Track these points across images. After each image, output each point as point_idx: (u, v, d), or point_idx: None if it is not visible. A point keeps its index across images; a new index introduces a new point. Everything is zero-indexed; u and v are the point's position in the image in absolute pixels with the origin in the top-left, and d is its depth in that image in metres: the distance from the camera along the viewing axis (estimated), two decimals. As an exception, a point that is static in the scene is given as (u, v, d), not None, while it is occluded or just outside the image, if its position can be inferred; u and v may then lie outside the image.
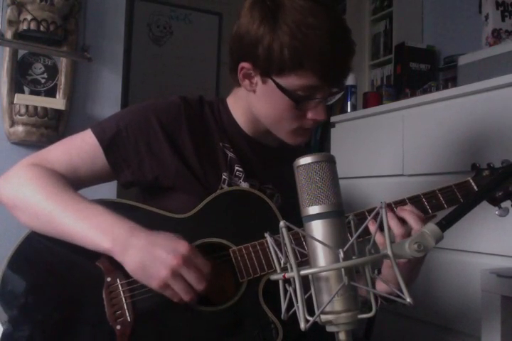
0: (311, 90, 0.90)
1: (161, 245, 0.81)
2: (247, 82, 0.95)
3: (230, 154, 0.99)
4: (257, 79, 0.93)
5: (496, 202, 0.94)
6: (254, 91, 0.96)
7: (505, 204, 0.95)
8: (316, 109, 0.93)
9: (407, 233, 0.87)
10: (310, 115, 0.94)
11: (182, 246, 0.81)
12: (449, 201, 0.94)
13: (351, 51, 0.93)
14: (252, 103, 0.98)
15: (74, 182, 0.94)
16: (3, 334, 0.83)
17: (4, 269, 0.86)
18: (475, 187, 0.96)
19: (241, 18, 0.93)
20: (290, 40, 0.86)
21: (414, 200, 0.93)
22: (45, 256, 0.90)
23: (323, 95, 0.92)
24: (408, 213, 0.88)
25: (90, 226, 0.84)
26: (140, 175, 0.96)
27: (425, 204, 0.93)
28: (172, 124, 0.96)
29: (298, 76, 0.88)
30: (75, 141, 0.97)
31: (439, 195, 0.94)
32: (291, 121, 0.95)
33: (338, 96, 0.97)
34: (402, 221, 0.88)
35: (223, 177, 0.97)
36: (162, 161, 0.95)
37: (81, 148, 0.95)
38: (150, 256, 0.80)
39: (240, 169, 0.99)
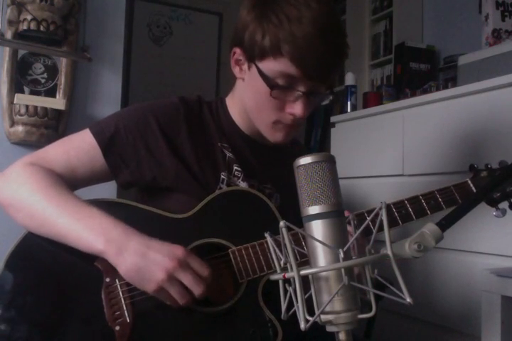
0: (290, 80, 0.90)
1: (157, 248, 0.81)
2: (237, 68, 0.97)
3: (229, 154, 0.99)
4: (245, 65, 0.95)
5: (493, 203, 0.95)
6: (243, 79, 0.97)
7: (503, 205, 0.95)
8: (294, 103, 0.92)
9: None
10: (288, 108, 0.93)
11: (178, 250, 0.81)
12: (448, 202, 0.94)
13: (341, 52, 0.91)
14: (241, 92, 0.99)
15: (71, 182, 0.94)
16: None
17: (2, 270, 0.86)
18: (473, 188, 0.96)
19: (241, 4, 0.95)
20: (275, 28, 0.87)
21: (413, 201, 0.94)
22: (43, 256, 0.90)
23: (303, 89, 0.90)
24: None
25: (85, 227, 0.83)
26: (138, 176, 0.96)
27: (424, 205, 0.94)
28: (170, 125, 0.96)
29: (276, 61, 0.88)
30: (73, 141, 0.97)
31: (438, 195, 0.94)
32: (270, 111, 0.94)
33: (325, 97, 0.96)
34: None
35: (222, 177, 0.97)
36: (160, 161, 0.95)
37: (79, 148, 0.95)
38: (145, 259, 0.80)
39: (239, 169, 0.99)
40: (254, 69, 0.92)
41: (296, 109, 0.92)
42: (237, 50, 0.95)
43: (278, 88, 0.90)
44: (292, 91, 0.91)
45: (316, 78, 0.90)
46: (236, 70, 0.98)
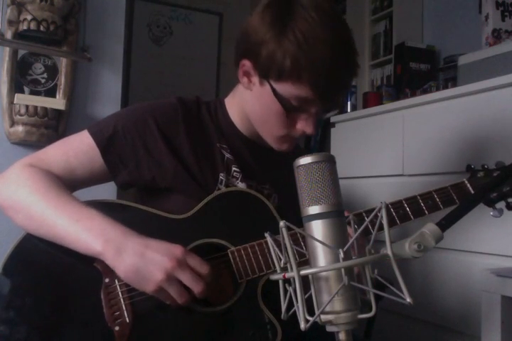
0: (304, 102, 0.90)
1: (155, 248, 0.81)
2: (245, 79, 0.95)
3: (227, 155, 0.99)
4: (256, 79, 0.93)
5: (490, 203, 0.95)
6: (250, 90, 0.96)
7: (500, 205, 0.95)
8: (306, 122, 0.93)
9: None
10: (299, 126, 0.94)
11: (176, 249, 0.81)
12: (445, 202, 0.95)
13: (353, 73, 0.92)
14: (246, 101, 0.98)
15: (70, 183, 0.94)
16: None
17: (1, 272, 0.86)
18: (470, 189, 0.98)
19: (253, 15, 0.92)
20: (294, 50, 0.85)
21: (411, 201, 0.94)
22: (42, 257, 0.90)
23: (315, 109, 0.91)
24: None
25: (83, 228, 0.83)
26: (137, 176, 0.96)
27: (421, 205, 0.94)
28: (169, 125, 0.96)
29: (294, 85, 0.88)
30: (72, 142, 0.97)
31: (435, 195, 0.95)
32: (279, 127, 0.94)
33: (330, 114, 0.97)
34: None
35: (220, 177, 0.97)
36: (159, 162, 0.95)
37: (78, 148, 0.95)
38: (144, 260, 0.80)
39: (237, 170, 0.99)
40: (267, 87, 0.91)
41: (308, 127, 0.93)
42: (247, 63, 0.92)
43: (293, 110, 0.91)
44: (305, 112, 0.92)
45: (330, 100, 0.92)
46: (244, 81, 0.96)
